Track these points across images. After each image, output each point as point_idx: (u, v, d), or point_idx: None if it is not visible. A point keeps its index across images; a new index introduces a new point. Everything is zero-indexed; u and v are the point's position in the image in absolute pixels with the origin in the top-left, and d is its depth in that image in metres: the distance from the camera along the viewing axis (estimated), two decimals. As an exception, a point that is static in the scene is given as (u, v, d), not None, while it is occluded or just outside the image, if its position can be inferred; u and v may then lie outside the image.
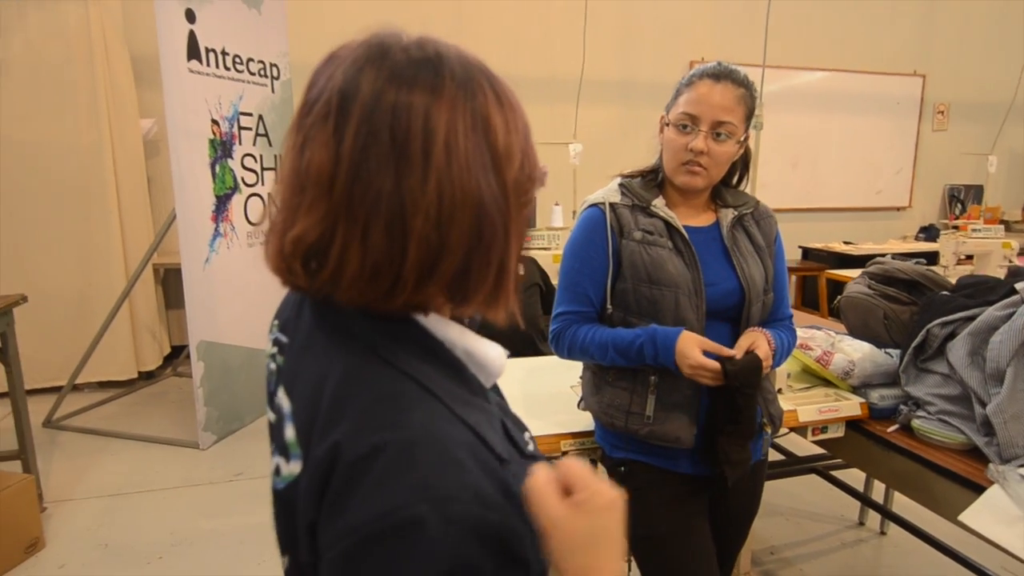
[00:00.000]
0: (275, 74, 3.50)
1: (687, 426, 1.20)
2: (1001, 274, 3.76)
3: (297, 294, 0.61)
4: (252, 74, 3.33)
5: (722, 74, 1.19)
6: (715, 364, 1.13)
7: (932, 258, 4.13)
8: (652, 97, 5.03)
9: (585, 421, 1.49)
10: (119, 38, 3.75)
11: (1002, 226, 4.08)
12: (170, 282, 4.38)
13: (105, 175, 3.72)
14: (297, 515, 0.52)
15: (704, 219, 1.30)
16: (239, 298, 3.27)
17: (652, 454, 1.25)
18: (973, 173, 6.02)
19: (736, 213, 1.30)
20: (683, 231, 1.23)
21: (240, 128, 3.28)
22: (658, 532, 1.23)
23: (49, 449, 3.12)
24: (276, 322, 0.64)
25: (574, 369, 1.89)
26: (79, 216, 3.73)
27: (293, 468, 0.54)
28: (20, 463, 2.54)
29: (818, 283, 4.83)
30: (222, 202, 3.18)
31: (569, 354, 1.28)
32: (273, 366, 0.62)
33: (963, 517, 1.29)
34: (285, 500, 0.55)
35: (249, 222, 3.37)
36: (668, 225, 1.24)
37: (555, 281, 2.89)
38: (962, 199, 6.02)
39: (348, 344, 0.54)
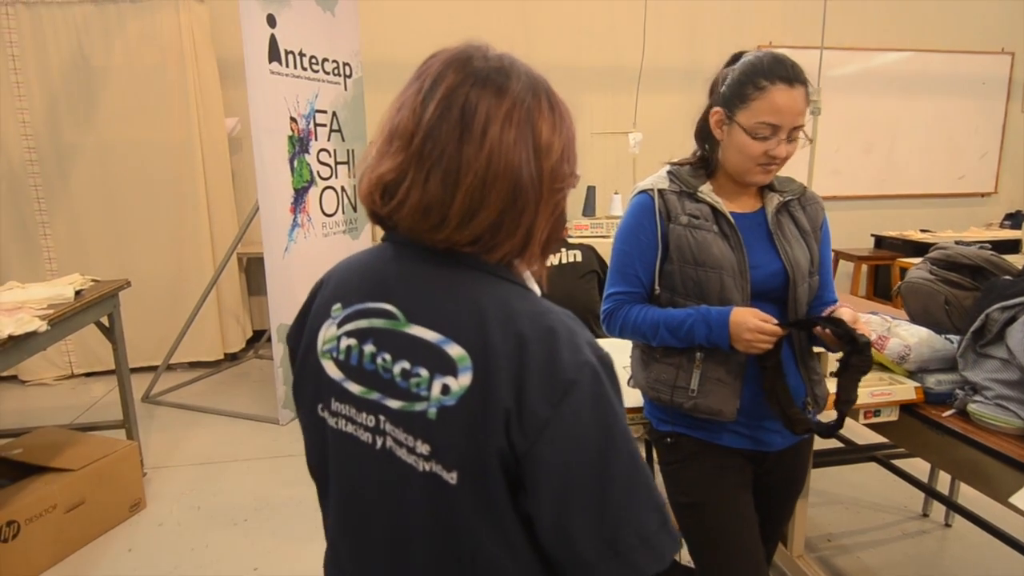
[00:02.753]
0: (348, 72, 3.69)
1: (730, 400, 1.26)
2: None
3: (359, 275, 0.76)
4: (327, 73, 3.52)
5: (794, 78, 1.19)
6: (774, 328, 1.18)
7: (1014, 247, 3.93)
8: (717, 84, 4.95)
9: (634, 398, 1.56)
10: (207, 43, 4.03)
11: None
12: (252, 270, 4.68)
13: (195, 171, 4.02)
14: (480, 416, 0.64)
15: (750, 205, 1.34)
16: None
17: (696, 427, 1.31)
18: (1068, 156, 5.63)
19: (781, 199, 1.33)
20: (728, 215, 1.28)
21: (316, 125, 3.48)
22: (700, 500, 1.30)
23: (148, 422, 3.43)
24: (339, 305, 0.75)
25: (626, 351, 1.96)
26: (172, 208, 4.05)
27: (464, 380, 0.65)
28: (124, 432, 2.83)
29: (891, 272, 4.67)
30: (299, 195, 3.40)
31: (620, 333, 1.34)
32: (368, 325, 0.72)
33: (1014, 499, 1.29)
34: (455, 414, 0.65)
35: (324, 213, 3.57)
36: (714, 210, 1.29)
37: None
38: (1055, 184, 5.64)
39: (478, 275, 0.70)
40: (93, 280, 2.69)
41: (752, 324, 1.17)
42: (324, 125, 3.56)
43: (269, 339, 4.08)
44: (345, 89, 3.69)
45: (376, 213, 0.72)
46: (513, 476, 0.66)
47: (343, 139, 3.70)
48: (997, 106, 5.53)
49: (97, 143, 3.91)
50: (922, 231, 4.95)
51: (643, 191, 1.35)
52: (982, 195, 5.71)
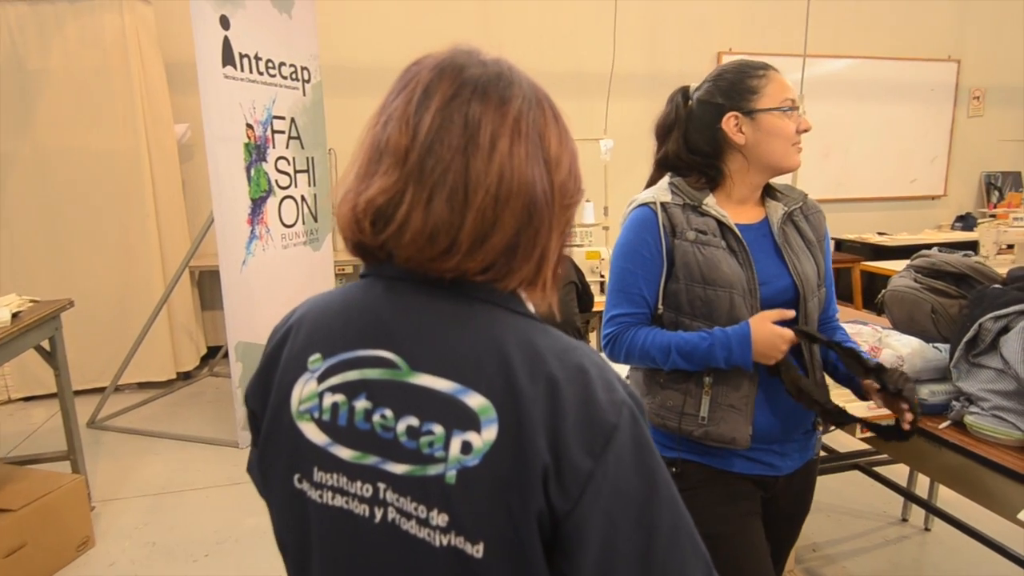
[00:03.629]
0: (306, 77, 3.54)
1: (742, 426, 1.19)
2: (1044, 264, 3.66)
3: (342, 318, 0.65)
4: (284, 78, 3.37)
5: (774, 67, 1.25)
6: (792, 335, 1.17)
7: (970, 248, 4.04)
8: (679, 90, 4.98)
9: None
10: (153, 45, 3.82)
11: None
12: (205, 284, 4.46)
13: (142, 180, 3.80)
14: (511, 475, 0.55)
15: (753, 215, 1.29)
16: (275, 299, 3.32)
17: (705, 454, 1.25)
18: (1011, 159, 5.87)
19: (785, 209, 1.29)
20: (736, 230, 1.22)
21: (273, 132, 3.32)
22: (712, 532, 1.22)
23: (94, 449, 3.20)
24: (318, 355, 0.63)
25: (618, 367, 1.90)
26: (118, 221, 3.82)
27: (488, 435, 0.56)
28: (69, 463, 2.62)
29: (852, 275, 4.75)
30: (257, 205, 3.23)
31: (626, 358, 1.26)
32: (359, 377, 0.61)
33: (1023, 516, 1.27)
34: (479, 476, 0.56)
35: (283, 224, 3.41)
36: (720, 224, 1.23)
37: (590, 279, 2.89)
38: (999, 186, 5.87)
39: (491, 310, 0.61)
40: (32, 300, 2.48)
41: (785, 336, 1.16)
42: (282, 132, 3.40)
43: (225, 356, 3.88)
44: (304, 94, 3.54)
45: (364, 244, 0.61)
46: (548, 540, 0.57)
47: (302, 146, 3.55)
48: (945, 111, 5.72)
49: (34, 151, 3.66)
50: (879, 234, 5.07)
51: (644, 204, 1.27)
52: (933, 198, 5.89)
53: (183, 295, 4.11)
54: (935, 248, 1.98)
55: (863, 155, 5.60)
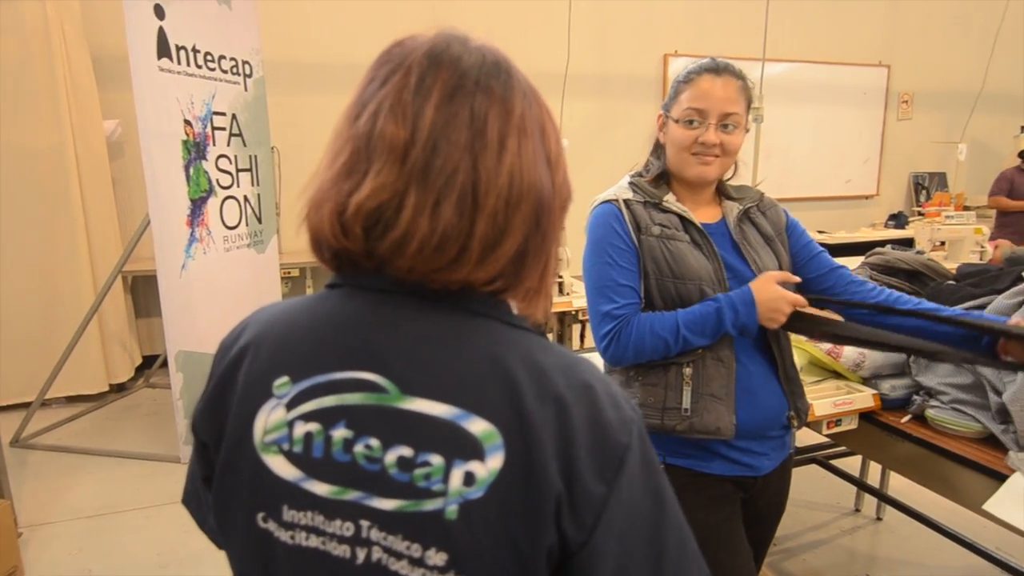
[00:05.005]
0: (248, 72, 3.38)
1: (725, 415, 1.18)
2: (974, 259, 3.85)
3: (313, 335, 0.57)
4: (224, 72, 3.21)
5: (721, 68, 1.23)
6: (798, 298, 1.17)
7: (906, 245, 4.22)
8: (629, 91, 5.03)
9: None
10: (79, 36, 3.58)
11: (973, 213, 4.19)
12: (140, 289, 4.22)
13: (69, 179, 3.55)
14: (520, 506, 0.51)
15: (711, 215, 1.30)
16: (217, 305, 3.15)
17: (684, 456, 1.23)
18: (937, 161, 6.18)
19: (741, 207, 1.30)
20: (698, 224, 1.24)
21: (214, 128, 3.15)
22: (695, 537, 1.21)
23: (20, 471, 2.96)
24: (286, 379, 0.56)
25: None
26: (43, 224, 3.56)
27: (493, 464, 0.51)
28: (-8, 487, 2.41)
29: (795, 272, 4.89)
30: (197, 206, 3.06)
31: (636, 352, 1.18)
32: (337, 403, 0.54)
33: (988, 507, 1.30)
34: (484, 509, 0.51)
35: (225, 226, 3.25)
36: (682, 219, 1.24)
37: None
38: (927, 186, 6.18)
39: (491, 325, 0.56)
40: (-55, 311, 2.27)
41: (787, 297, 1.15)
42: (223, 128, 3.23)
43: (163, 366, 3.68)
44: (245, 89, 3.38)
45: (349, 252, 0.54)
46: (554, 572, 0.53)
47: (244, 144, 3.39)
48: (876, 115, 5.98)
49: (-56, 149, 3.37)
50: (819, 232, 5.24)
51: (606, 201, 1.27)
52: (867, 197, 6.15)
53: (115, 302, 3.86)
54: (888, 245, 2.03)
55: (801, 156, 5.79)
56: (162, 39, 2.80)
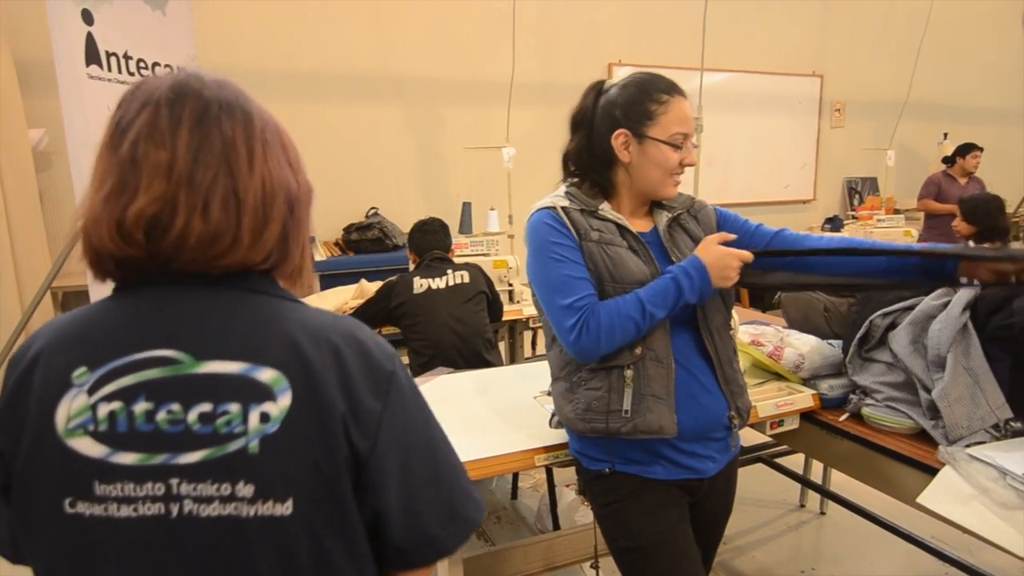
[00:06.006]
0: (184, 79, 3.27)
1: (667, 414, 1.19)
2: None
3: (102, 328, 0.65)
4: (159, 80, 3.10)
5: (680, 89, 1.26)
6: (744, 253, 1.20)
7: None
8: (575, 99, 5.06)
9: (558, 433, 1.46)
10: (1, 41, 3.40)
11: (902, 216, 4.41)
12: (70, 306, 4.02)
13: (-10, 192, 3.36)
14: (312, 431, 0.63)
15: (643, 225, 1.32)
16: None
17: (630, 462, 1.24)
18: (868, 166, 6.47)
19: (671, 215, 1.32)
20: (633, 231, 1.26)
21: (148, 138, 3.03)
22: (644, 542, 1.22)
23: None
24: (83, 368, 0.63)
25: (533, 380, 1.87)
26: (-39, 239, 3.35)
27: (284, 402, 0.62)
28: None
29: (738, 275, 5.03)
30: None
31: (607, 338, 1.16)
32: (136, 380, 0.62)
33: (922, 499, 1.35)
34: (280, 439, 0.62)
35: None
36: (619, 227, 1.25)
37: (499, 287, 2.86)
38: (860, 191, 6.45)
39: (268, 300, 0.68)
40: None
41: (733, 253, 1.19)
42: (158, 138, 3.12)
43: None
44: (182, 98, 3.27)
45: (131, 257, 0.63)
46: (355, 484, 0.66)
47: (182, 154, 3.27)
48: (811, 122, 6.22)
49: None
50: (760, 236, 5.41)
51: (544, 208, 1.26)
52: (804, 202, 6.38)
53: (45, 319, 3.67)
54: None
55: (741, 163, 5.97)
56: (91, 45, 2.68)
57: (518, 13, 4.14)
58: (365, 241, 4.21)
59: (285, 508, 0.62)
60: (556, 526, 2.34)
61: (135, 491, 0.61)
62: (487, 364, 2.38)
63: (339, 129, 4.50)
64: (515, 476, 2.80)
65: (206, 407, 0.61)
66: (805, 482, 2.56)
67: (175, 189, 0.62)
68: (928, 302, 1.59)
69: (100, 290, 2.34)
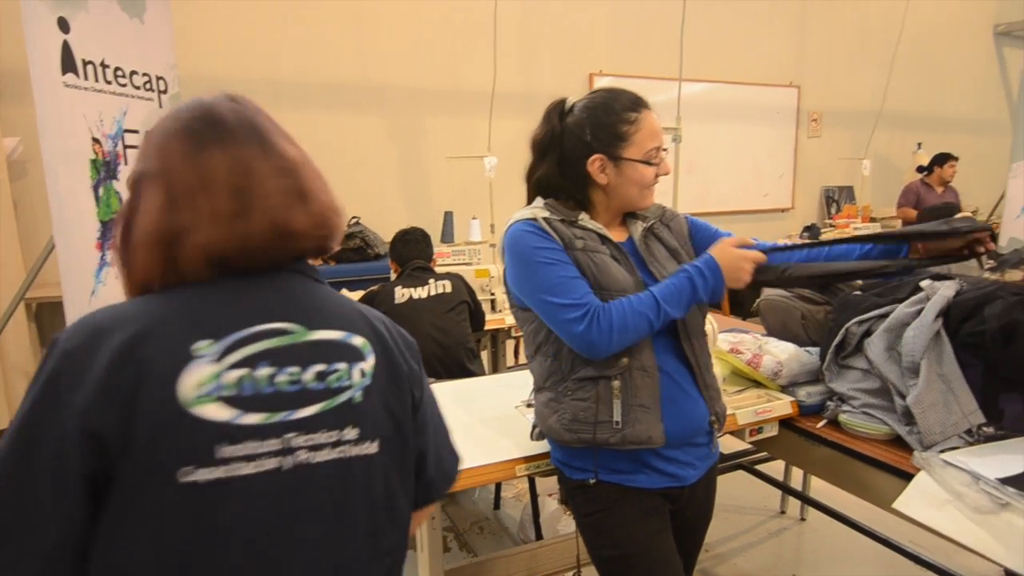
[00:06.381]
0: (162, 88, 3.25)
1: (656, 424, 1.20)
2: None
3: (216, 307, 0.72)
4: (137, 88, 3.07)
5: (645, 102, 1.27)
6: (756, 253, 1.24)
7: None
8: (555, 109, 5.10)
9: (539, 444, 1.46)
10: (-27, 48, 3.35)
11: (878, 224, 4.48)
12: (44, 317, 3.95)
13: (-38, 202, 3.30)
14: (390, 384, 0.80)
15: (619, 234, 1.33)
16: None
17: (616, 472, 1.24)
18: (844, 175, 6.57)
19: (645, 224, 1.34)
20: (615, 240, 1.27)
21: (125, 147, 3.00)
22: (628, 551, 1.22)
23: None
24: (207, 341, 0.68)
25: (515, 389, 1.86)
26: (-69, 249, 3.29)
27: (370, 361, 0.78)
28: None
29: (719, 283, 5.08)
30: (108, 228, 2.90)
31: (619, 333, 1.15)
32: (259, 349, 0.71)
33: (897, 505, 1.37)
34: (372, 390, 0.77)
35: (140, 248, 3.09)
36: (599, 236, 1.26)
37: (481, 297, 2.86)
38: (837, 199, 6.55)
39: (324, 285, 0.82)
40: None
41: (749, 255, 1.22)
42: (135, 147, 3.08)
43: (73, 398, 3.43)
44: (160, 106, 3.24)
45: (258, 256, 0.75)
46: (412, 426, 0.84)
47: (160, 163, 3.24)
48: (789, 132, 6.31)
49: None
50: (740, 244, 5.46)
51: (525, 219, 1.26)
52: (782, 210, 6.46)
53: (18, 331, 3.60)
54: (801, 258, 2.13)
55: (721, 171, 6.04)
56: (67, 54, 2.65)
57: (499, 23, 4.17)
58: (347, 251, 4.19)
59: (374, 447, 0.76)
60: (539, 536, 2.33)
61: (257, 448, 0.68)
62: (469, 374, 2.37)
63: (321, 138, 4.48)
64: (498, 486, 2.79)
65: (320, 367, 0.73)
66: (785, 488, 2.58)
67: (295, 195, 0.78)
68: (902, 309, 1.62)
69: (75, 303, 2.28)
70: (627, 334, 1.16)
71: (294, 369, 0.71)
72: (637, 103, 1.25)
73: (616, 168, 1.25)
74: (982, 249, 1.23)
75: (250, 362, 0.69)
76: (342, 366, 0.74)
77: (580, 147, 1.25)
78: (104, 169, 2.88)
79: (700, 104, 5.77)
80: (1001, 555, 1.18)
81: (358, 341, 0.77)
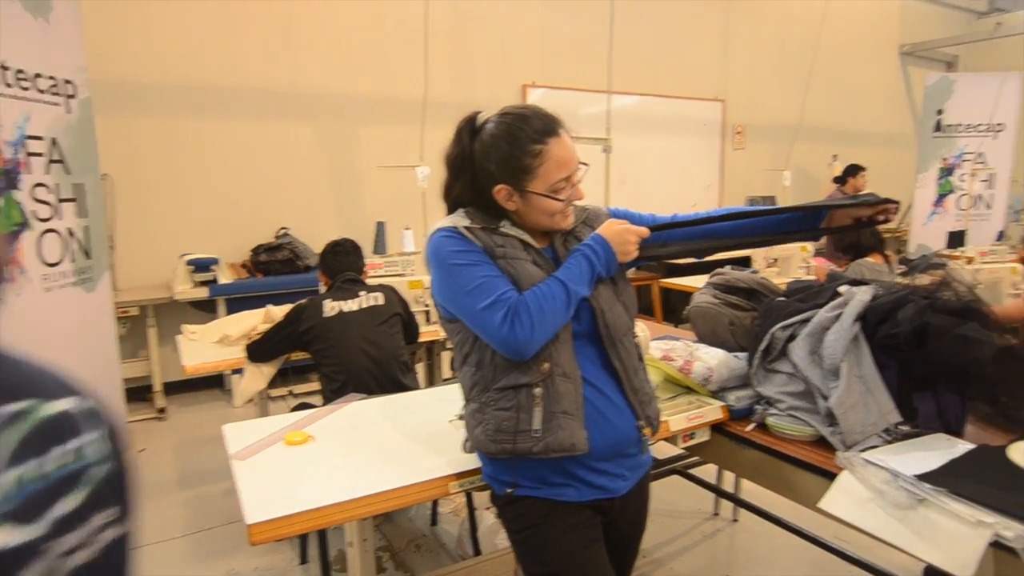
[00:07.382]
0: (71, 92, 3.05)
1: (579, 431, 1.18)
2: (801, 274, 4.24)
3: None
4: (41, 92, 2.87)
5: (557, 127, 1.22)
6: (639, 229, 1.29)
7: (745, 263, 4.62)
8: (489, 119, 5.11)
9: (472, 459, 1.42)
10: None
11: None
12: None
13: None
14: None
15: (542, 241, 1.31)
16: (38, 351, 2.76)
17: (541, 484, 1.22)
18: (767, 185, 6.85)
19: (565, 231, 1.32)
20: (536, 245, 1.26)
21: (28, 154, 2.80)
22: (559, 567, 1.20)
23: None
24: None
25: (449, 402, 1.82)
26: None
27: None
28: None
29: (651, 292, 5.18)
30: (8, 241, 2.69)
31: (539, 325, 1.14)
32: None
33: (822, 504, 1.40)
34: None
35: (44, 263, 2.88)
36: (521, 242, 1.25)
37: (415, 308, 2.80)
38: (761, 209, 6.83)
39: None
40: None
41: (630, 228, 1.27)
42: (40, 154, 2.88)
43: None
44: (68, 111, 3.04)
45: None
46: None
47: (68, 171, 3.04)
48: (715, 144, 6.54)
49: None
50: (671, 252, 5.60)
51: (447, 227, 1.24)
52: (710, 219, 6.67)
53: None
54: (728, 266, 2.19)
55: (652, 181, 6.19)
56: (-41, 53, 2.45)
57: (432, 32, 4.14)
58: (275, 262, 4.04)
59: None
60: (477, 551, 2.29)
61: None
62: (404, 388, 2.31)
63: (247, 146, 4.32)
64: (434, 502, 2.73)
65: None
66: (718, 491, 2.63)
67: None
68: (823, 314, 1.67)
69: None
70: (546, 321, 1.16)
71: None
72: (546, 131, 1.20)
73: (523, 198, 1.23)
74: (884, 217, 1.41)
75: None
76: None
77: (486, 175, 1.23)
78: (3, 178, 2.68)
79: (631, 116, 5.90)
80: (920, 549, 1.22)
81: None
